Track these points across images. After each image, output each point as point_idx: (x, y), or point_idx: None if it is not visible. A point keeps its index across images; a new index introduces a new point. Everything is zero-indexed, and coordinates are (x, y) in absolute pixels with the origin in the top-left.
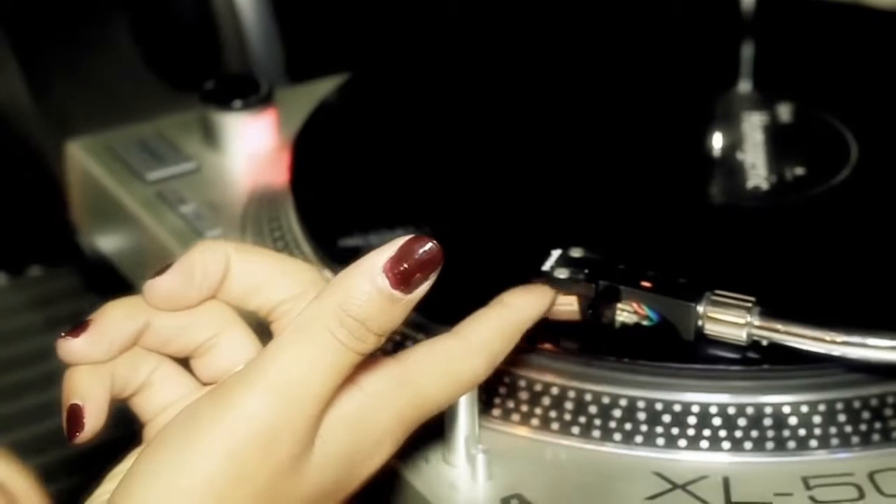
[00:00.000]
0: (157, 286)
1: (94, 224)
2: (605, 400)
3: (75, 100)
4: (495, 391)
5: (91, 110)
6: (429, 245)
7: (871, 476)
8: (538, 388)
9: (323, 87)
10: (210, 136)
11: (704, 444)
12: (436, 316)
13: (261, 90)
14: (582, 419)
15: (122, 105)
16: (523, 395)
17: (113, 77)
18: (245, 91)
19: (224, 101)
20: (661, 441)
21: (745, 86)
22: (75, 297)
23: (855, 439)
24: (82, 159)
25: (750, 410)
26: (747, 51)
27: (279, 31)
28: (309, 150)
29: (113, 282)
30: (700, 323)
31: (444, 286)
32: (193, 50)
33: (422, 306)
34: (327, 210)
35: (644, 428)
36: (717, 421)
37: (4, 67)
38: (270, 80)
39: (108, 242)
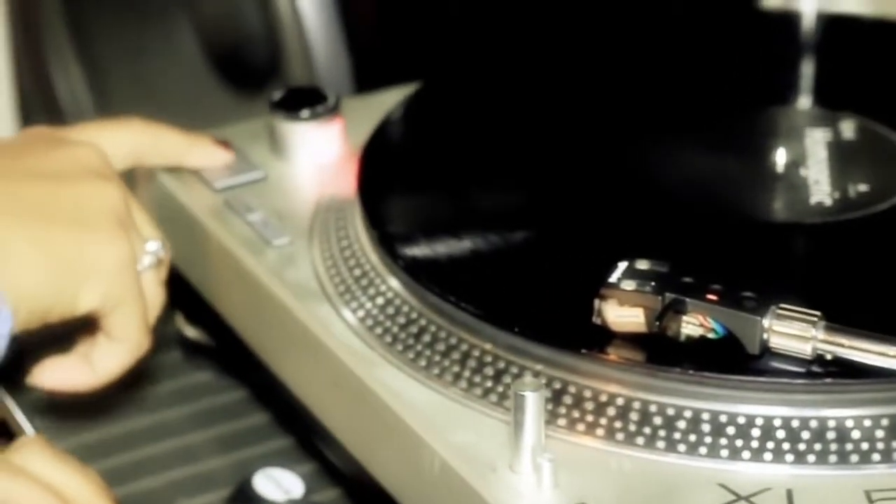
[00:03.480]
0: None
1: (161, 231)
2: (671, 411)
3: (138, 107)
4: (561, 401)
5: (153, 117)
6: None
7: None
8: (604, 398)
9: (389, 97)
10: (277, 145)
11: (768, 456)
12: (504, 324)
13: (328, 100)
14: (647, 430)
15: (184, 112)
16: (589, 406)
17: (175, 84)
18: (312, 101)
19: (292, 110)
20: (725, 452)
21: (808, 102)
22: None
23: None
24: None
25: (813, 424)
26: (810, 67)
27: (345, 40)
28: (377, 159)
29: (179, 288)
30: (765, 336)
31: (514, 296)
32: (258, 58)
33: (493, 315)
34: (394, 219)
35: (708, 439)
36: (780, 433)
37: (68, 74)
38: (337, 89)
39: (174, 249)
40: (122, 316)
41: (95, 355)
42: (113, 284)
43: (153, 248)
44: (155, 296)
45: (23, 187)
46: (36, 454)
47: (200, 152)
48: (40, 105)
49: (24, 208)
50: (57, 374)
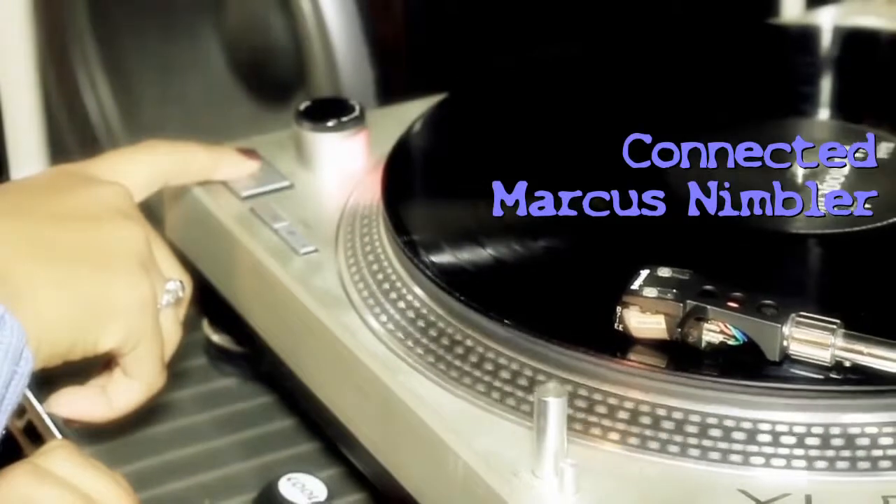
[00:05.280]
0: None
1: (188, 239)
2: (692, 417)
3: (164, 118)
4: (583, 407)
5: (180, 129)
6: None
7: None
8: (627, 404)
9: (413, 108)
10: (303, 155)
11: (788, 462)
12: (527, 330)
13: (354, 111)
14: (668, 435)
15: (210, 123)
16: (611, 411)
17: (202, 95)
18: (338, 112)
19: (317, 121)
20: (745, 458)
21: (826, 114)
22: None
23: None
24: None
25: (833, 430)
26: (828, 80)
27: (370, 52)
28: (402, 169)
29: (206, 295)
30: (785, 343)
31: (536, 303)
32: (283, 69)
33: (516, 322)
34: (419, 227)
35: (729, 445)
36: (799, 439)
37: (95, 87)
38: (361, 101)
39: (201, 257)
40: (140, 355)
41: (111, 390)
42: (134, 325)
43: (173, 287)
44: (172, 334)
45: (46, 228)
46: (63, 458)
47: (227, 165)
48: (67, 117)
49: (47, 249)
50: (74, 404)
